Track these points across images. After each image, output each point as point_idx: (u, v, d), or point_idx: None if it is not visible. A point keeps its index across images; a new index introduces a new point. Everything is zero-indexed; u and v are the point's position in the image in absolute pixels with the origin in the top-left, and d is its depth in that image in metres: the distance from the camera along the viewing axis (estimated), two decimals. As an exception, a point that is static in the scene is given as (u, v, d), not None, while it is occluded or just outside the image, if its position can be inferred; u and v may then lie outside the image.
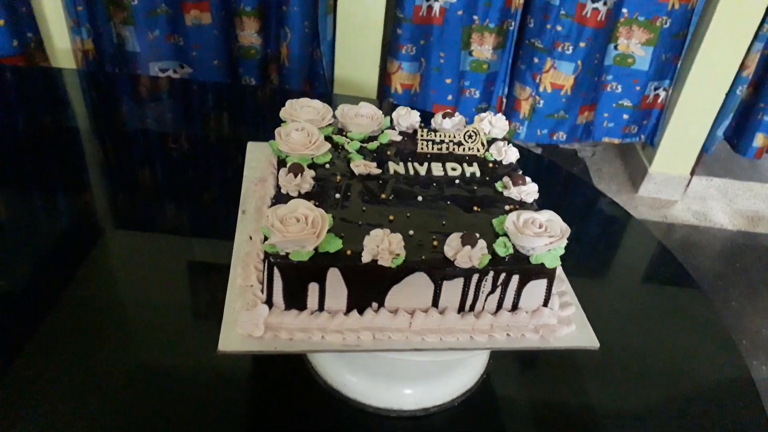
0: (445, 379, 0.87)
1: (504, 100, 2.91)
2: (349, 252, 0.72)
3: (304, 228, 0.71)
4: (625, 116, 2.90)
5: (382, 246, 0.71)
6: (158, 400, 0.87)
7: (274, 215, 0.72)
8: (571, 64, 2.65)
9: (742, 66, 2.59)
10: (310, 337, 0.73)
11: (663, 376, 1.01)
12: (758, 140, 2.81)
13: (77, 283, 1.02)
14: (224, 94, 1.86)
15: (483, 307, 0.76)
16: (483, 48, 2.70)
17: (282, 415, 0.85)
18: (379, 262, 0.71)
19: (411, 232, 0.76)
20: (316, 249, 0.71)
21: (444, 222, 0.78)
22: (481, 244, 0.73)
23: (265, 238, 0.72)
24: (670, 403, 0.97)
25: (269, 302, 0.74)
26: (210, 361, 0.89)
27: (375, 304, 0.75)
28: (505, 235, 0.76)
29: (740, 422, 0.95)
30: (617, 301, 1.18)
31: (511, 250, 0.74)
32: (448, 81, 2.77)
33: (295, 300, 0.74)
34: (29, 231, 1.16)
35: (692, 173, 2.92)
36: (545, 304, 0.77)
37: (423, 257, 0.73)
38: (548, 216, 0.77)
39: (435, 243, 0.75)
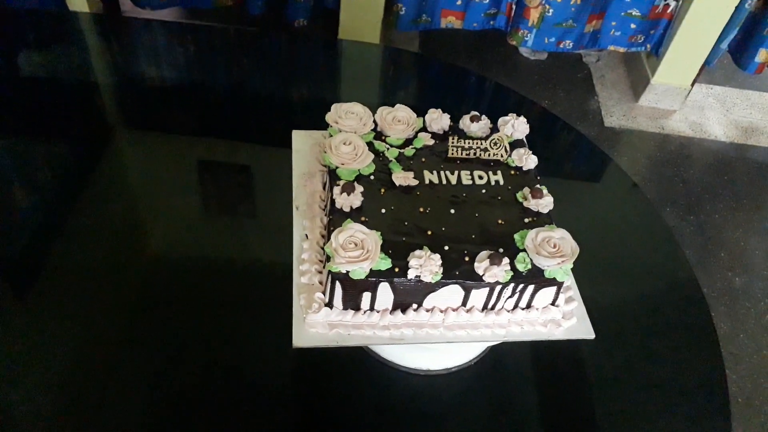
0: (465, 348, 1.07)
1: (513, 7, 2.91)
2: (397, 269, 0.88)
3: (361, 253, 0.86)
4: (633, 25, 2.93)
5: (425, 267, 0.87)
6: (173, 290, 1.10)
7: (336, 240, 0.87)
8: (582, -27, 2.64)
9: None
10: (363, 332, 0.91)
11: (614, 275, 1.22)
12: (761, 55, 2.86)
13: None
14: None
15: (503, 307, 0.94)
16: (495, -46, 2.67)
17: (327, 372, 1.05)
18: (422, 278, 0.87)
19: (446, 248, 0.91)
20: (370, 268, 0.87)
21: (474, 235, 0.94)
22: (505, 261, 0.89)
23: (328, 258, 0.87)
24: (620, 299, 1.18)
25: (330, 304, 0.91)
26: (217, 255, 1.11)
27: (415, 305, 0.92)
28: (524, 250, 0.92)
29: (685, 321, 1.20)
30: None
31: (530, 266, 0.90)
32: (458, -15, 2.76)
33: (351, 303, 0.91)
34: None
35: (693, 84, 3.00)
36: (553, 303, 0.95)
37: (457, 272, 0.89)
38: (561, 234, 0.92)
39: (467, 258, 0.90)
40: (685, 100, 3.04)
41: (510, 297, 0.92)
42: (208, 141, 1.42)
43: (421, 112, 1.08)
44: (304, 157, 1.11)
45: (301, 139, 1.14)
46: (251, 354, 1.05)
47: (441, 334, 0.92)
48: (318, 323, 0.90)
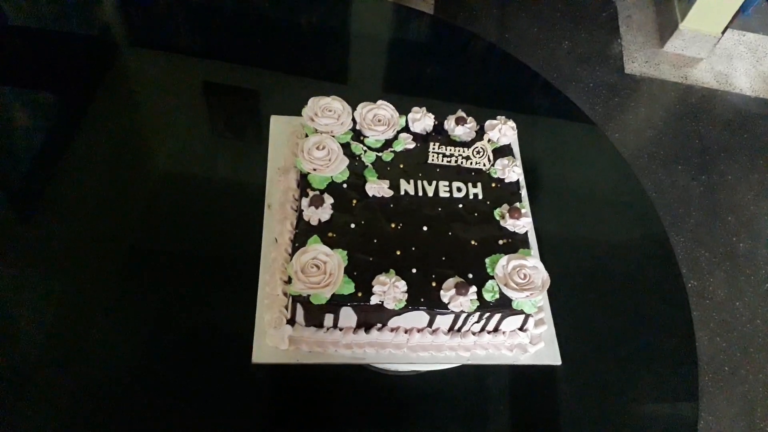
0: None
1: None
2: (360, 294, 0.86)
3: (322, 278, 0.84)
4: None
5: (388, 294, 0.85)
6: (178, 205, 1.14)
7: (298, 262, 0.84)
8: None
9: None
10: (326, 350, 0.90)
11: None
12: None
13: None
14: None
15: (469, 329, 0.92)
16: None
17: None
18: (385, 305, 0.85)
19: (414, 270, 0.89)
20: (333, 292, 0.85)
21: (444, 257, 0.91)
22: (472, 291, 0.86)
23: (290, 278, 0.85)
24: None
25: (292, 321, 0.90)
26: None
27: (379, 324, 0.91)
28: (494, 277, 0.89)
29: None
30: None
31: (497, 295, 0.88)
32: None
33: (314, 321, 0.89)
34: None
35: (723, 31, 2.82)
36: (521, 328, 0.93)
37: (422, 299, 0.87)
38: (533, 263, 0.89)
39: (434, 284, 0.88)
40: (713, 48, 2.88)
41: (477, 322, 0.90)
42: (215, 63, 1.40)
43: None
44: (280, 147, 1.07)
45: (279, 126, 1.09)
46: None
47: (404, 354, 0.91)
48: (278, 339, 0.89)
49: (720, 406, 2.12)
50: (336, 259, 0.85)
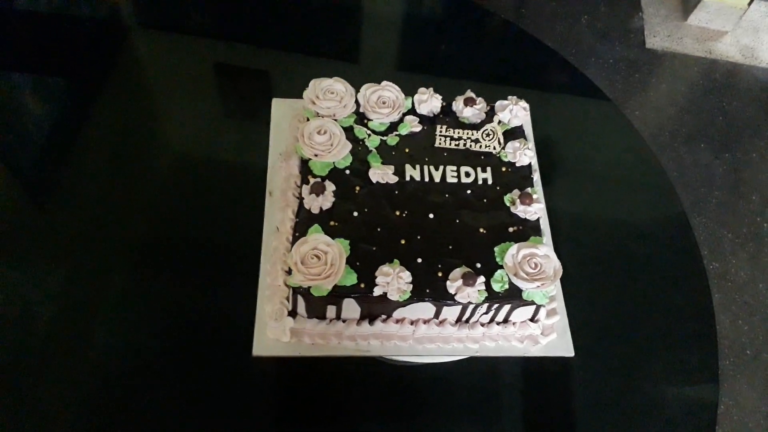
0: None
1: None
2: (362, 285, 0.82)
3: (324, 269, 0.80)
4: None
5: (392, 285, 0.81)
6: (178, 193, 1.12)
7: (297, 253, 0.81)
8: None
9: None
10: (329, 342, 0.87)
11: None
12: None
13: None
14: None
15: (477, 320, 0.88)
16: None
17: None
18: (389, 296, 0.82)
19: (419, 260, 0.85)
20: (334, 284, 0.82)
21: (450, 246, 0.87)
22: (480, 281, 0.83)
23: (290, 269, 0.82)
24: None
25: (293, 313, 0.87)
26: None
27: (384, 315, 0.87)
28: (503, 266, 0.85)
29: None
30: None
31: (507, 285, 0.84)
32: None
33: (316, 313, 0.86)
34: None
35: (750, 3, 2.71)
36: (532, 319, 0.89)
37: (428, 290, 0.83)
38: (545, 252, 0.85)
39: (440, 274, 0.84)
40: (739, 20, 2.77)
41: (485, 313, 0.87)
42: (219, 43, 1.37)
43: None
44: (282, 131, 1.03)
45: (280, 110, 1.06)
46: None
47: (410, 346, 0.88)
48: (279, 331, 0.86)
49: (741, 390, 2.07)
50: (337, 249, 0.82)
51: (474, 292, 0.82)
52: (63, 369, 0.93)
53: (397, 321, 0.88)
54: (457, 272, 0.83)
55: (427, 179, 0.92)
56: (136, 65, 1.32)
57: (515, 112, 0.96)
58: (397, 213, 0.89)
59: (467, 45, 1.47)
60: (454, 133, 0.93)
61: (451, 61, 1.43)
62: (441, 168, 0.93)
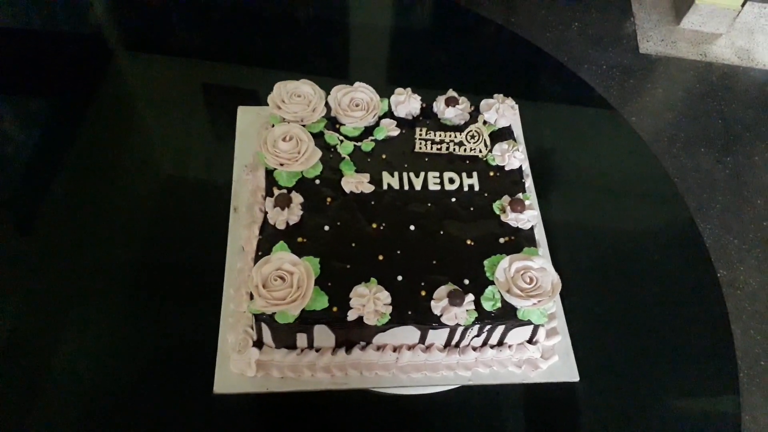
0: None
1: None
2: (335, 309, 0.72)
3: (289, 292, 0.70)
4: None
5: (368, 307, 0.71)
6: (173, 211, 1.03)
7: (258, 275, 0.71)
8: None
9: None
10: (300, 375, 0.77)
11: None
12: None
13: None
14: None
15: (469, 344, 0.78)
16: None
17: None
18: (365, 320, 0.72)
19: (399, 278, 0.75)
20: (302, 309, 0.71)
21: (434, 261, 0.77)
22: (469, 299, 0.73)
23: (251, 294, 0.72)
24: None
25: (259, 343, 0.76)
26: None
27: (362, 342, 0.77)
28: (494, 283, 0.75)
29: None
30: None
31: (499, 304, 0.74)
32: None
33: (285, 342, 0.76)
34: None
35: (743, 4, 2.64)
36: (530, 341, 0.79)
37: (409, 312, 0.73)
38: (541, 264, 0.75)
39: (423, 293, 0.74)
40: (733, 22, 2.70)
41: (477, 336, 0.76)
42: (212, 64, 1.27)
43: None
44: (249, 141, 0.94)
45: (248, 118, 0.96)
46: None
47: (393, 377, 0.78)
48: (244, 364, 0.76)
49: (757, 403, 1.96)
50: (305, 269, 0.72)
51: (462, 313, 0.72)
52: (10, 406, 0.83)
53: (378, 348, 0.77)
54: (443, 290, 0.73)
55: (406, 187, 0.83)
56: (111, 83, 1.23)
57: (502, 111, 0.87)
58: (374, 226, 0.79)
59: (459, 54, 1.38)
60: (435, 136, 0.84)
61: (443, 70, 1.34)
62: (422, 175, 0.84)
